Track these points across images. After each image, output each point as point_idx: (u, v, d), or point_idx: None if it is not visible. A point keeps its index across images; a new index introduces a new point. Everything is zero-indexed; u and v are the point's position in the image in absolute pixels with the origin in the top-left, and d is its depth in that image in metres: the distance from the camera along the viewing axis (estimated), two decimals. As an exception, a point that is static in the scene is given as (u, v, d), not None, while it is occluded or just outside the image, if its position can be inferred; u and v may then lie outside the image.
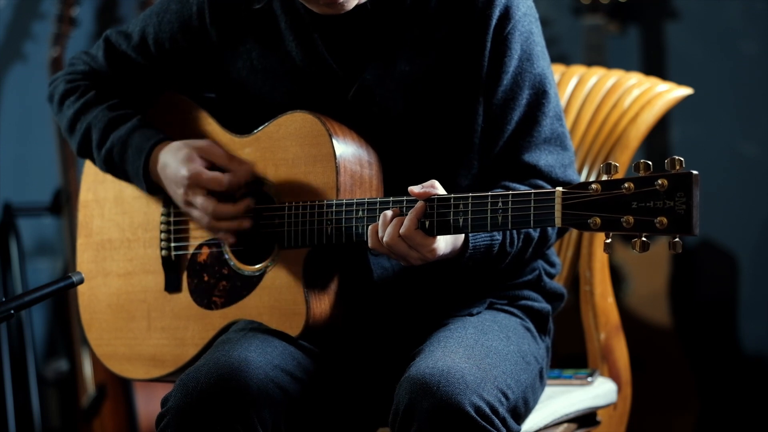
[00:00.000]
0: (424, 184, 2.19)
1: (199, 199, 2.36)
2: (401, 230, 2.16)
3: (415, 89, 2.33)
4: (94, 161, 2.51)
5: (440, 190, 2.19)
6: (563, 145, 2.38)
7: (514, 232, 2.28)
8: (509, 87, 2.33)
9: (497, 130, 2.34)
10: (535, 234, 2.32)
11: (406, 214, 2.17)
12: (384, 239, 2.18)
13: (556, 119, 2.38)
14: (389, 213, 2.19)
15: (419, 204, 2.17)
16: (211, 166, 2.38)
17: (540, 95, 2.35)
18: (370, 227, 2.21)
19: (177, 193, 2.39)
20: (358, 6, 2.31)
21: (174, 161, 2.37)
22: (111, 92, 2.52)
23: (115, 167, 2.46)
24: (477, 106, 2.34)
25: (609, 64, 3.99)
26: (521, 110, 2.34)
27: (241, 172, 2.36)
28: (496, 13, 2.31)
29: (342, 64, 2.36)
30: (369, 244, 2.21)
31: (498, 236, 2.26)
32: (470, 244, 2.22)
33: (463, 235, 2.22)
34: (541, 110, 2.35)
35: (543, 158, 2.35)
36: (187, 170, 2.36)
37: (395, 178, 2.34)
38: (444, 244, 2.19)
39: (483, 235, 2.23)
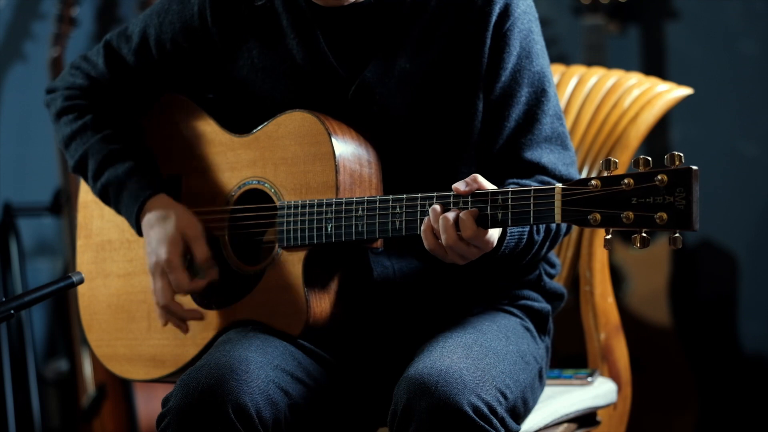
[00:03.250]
0: (466, 179, 2.17)
1: (160, 283, 2.40)
2: (463, 233, 2.14)
3: (416, 86, 2.33)
4: (87, 184, 2.53)
5: (486, 184, 2.17)
6: (564, 144, 2.38)
7: None
8: (507, 84, 2.33)
9: (496, 127, 2.34)
10: (552, 225, 2.31)
11: (453, 210, 2.15)
12: (445, 242, 2.15)
13: (556, 118, 2.38)
14: (450, 216, 2.15)
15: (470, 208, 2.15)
16: (186, 253, 2.41)
17: (539, 93, 2.35)
18: (423, 229, 2.18)
19: (149, 257, 2.42)
20: (359, 3, 2.31)
21: (160, 230, 2.41)
22: (109, 113, 2.52)
23: (109, 202, 2.49)
24: (477, 102, 2.34)
25: (609, 64, 3.99)
26: (520, 108, 2.34)
27: (206, 276, 2.40)
28: (496, 10, 2.31)
29: (343, 62, 2.36)
30: (426, 246, 2.18)
31: (525, 227, 2.25)
32: (507, 234, 2.21)
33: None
34: (540, 108, 2.35)
35: (545, 156, 2.34)
36: (166, 253, 2.39)
37: (395, 176, 2.34)
38: (496, 236, 2.17)
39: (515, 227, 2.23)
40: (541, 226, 2.28)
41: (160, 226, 2.41)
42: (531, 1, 2.38)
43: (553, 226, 2.31)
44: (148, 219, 2.42)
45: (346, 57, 2.36)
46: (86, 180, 2.52)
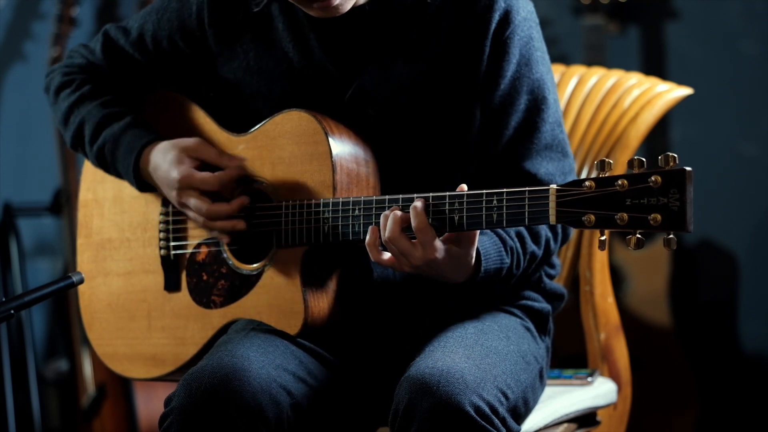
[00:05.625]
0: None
1: (192, 201, 2.36)
2: (414, 224, 2.15)
3: (412, 92, 2.33)
4: (86, 155, 2.52)
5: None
6: (564, 151, 2.37)
7: (521, 253, 2.28)
8: (507, 91, 2.32)
9: (494, 135, 2.33)
10: (540, 252, 2.32)
11: (407, 212, 2.17)
12: (386, 235, 2.17)
13: (557, 125, 2.37)
14: (390, 212, 2.17)
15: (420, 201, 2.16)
16: (202, 164, 2.38)
17: (539, 101, 2.34)
18: (367, 242, 2.19)
19: (171, 195, 2.39)
20: (356, 8, 2.30)
21: (164, 163, 2.38)
22: (107, 87, 2.52)
23: (106, 164, 2.47)
24: (474, 109, 2.33)
25: (609, 64, 3.99)
26: (519, 116, 2.33)
27: (233, 168, 2.36)
28: (496, 17, 2.30)
29: (339, 66, 2.35)
30: (371, 257, 2.20)
31: (507, 259, 2.26)
32: (482, 268, 2.22)
33: (473, 259, 2.20)
34: (540, 116, 2.34)
35: (543, 166, 2.33)
36: (178, 173, 2.36)
37: (391, 179, 2.34)
38: (445, 252, 2.18)
39: (494, 258, 2.23)
40: (522, 257, 2.28)
41: (162, 160, 2.38)
42: (532, 7, 2.37)
43: (539, 251, 2.31)
44: (151, 164, 2.40)
45: (342, 61, 2.35)
46: (84, 151, 2.50)
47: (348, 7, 2.26)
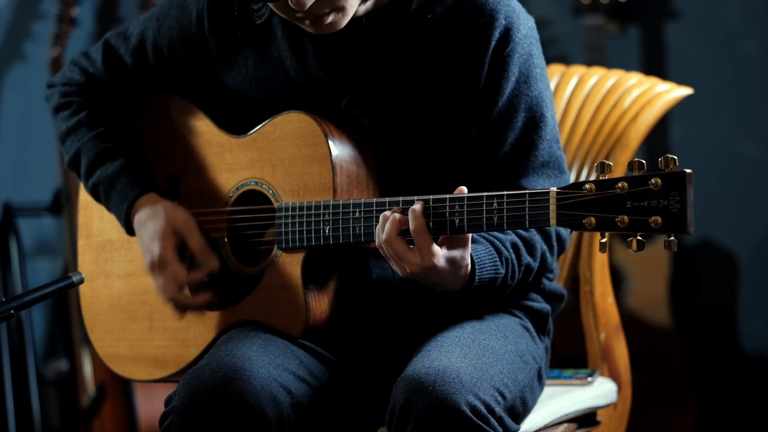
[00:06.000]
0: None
1: (161, 280, 2.40)
2: (411, 227, 2.15)
3: (407, 105, 2.32)
4: (81, 182, 2.55)
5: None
6: (560, 168, 2.37)
7: (516, 264, 2.28)
8: (504, 108, 2.31)
9: (491, 151, 2.32)
10: (535, 264, 2.32)
11: (407, 215, 2.17)
12: (382, 237, 2.17)
13: (554, 142, 2.36)
14: (390, 213, 2.18)
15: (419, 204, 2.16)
16: (181, 246, 2.42)
17: (537, 118, 2.33)
18: (377, 229, 2.20)
19: (144, 256, 2.43)
20: (353, 19, 2.29)
21: (150, 227, 2.41)
22: (104, 110, 2.53)
23: (100, 200, 2.51)
24: (470, 125, 2.32)
25: (609, 64, 3.99)
26: (517, 133, 2.32)
27: (206, 266, 2.40)
28: (496, 34, 2.28)
29: (333, 77, 2.35)
30: (377, 243, 2.20)
31: (501, 269, 2.26)
32: (476, 278, 2.22)
33: (468, 266, 2.21)
34: (538, 134, 2.33)
35: (540, 184, 2.33)
36: (159, 249, 2.39)
37: (391, 184, 2.34)
38: (442, 257, 2.18)
39: (488, 268, 2.23)
40: (517, 268, 2.29)
41: (150, 224, 2.41)
42: (533, 23, 2.35)
43: (535, 264, 2.31)
44: (139, 218, 2.43)
45: (337, 71, 2.35)
46: (79, 177, 2.53)
47: (343, 24, 2.25)
